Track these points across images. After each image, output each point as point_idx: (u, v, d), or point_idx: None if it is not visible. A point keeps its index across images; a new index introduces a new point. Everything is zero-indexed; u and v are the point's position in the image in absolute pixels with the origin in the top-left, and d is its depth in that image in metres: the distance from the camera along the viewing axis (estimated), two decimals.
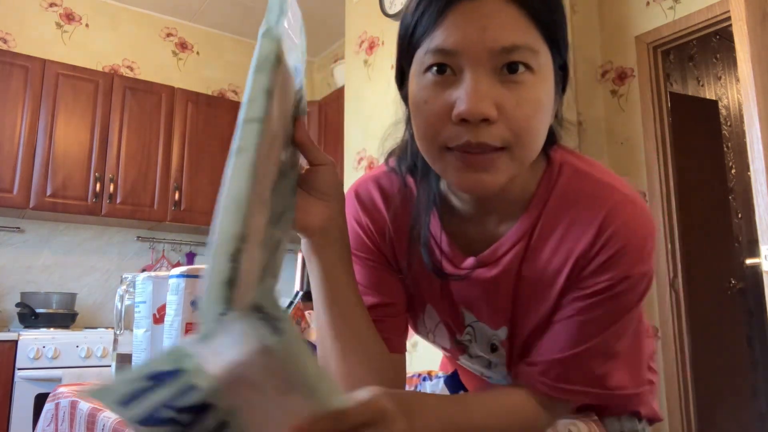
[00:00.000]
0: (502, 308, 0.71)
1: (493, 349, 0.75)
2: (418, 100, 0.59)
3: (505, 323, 0.72)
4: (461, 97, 0.55)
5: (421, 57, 0.59)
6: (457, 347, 0.80)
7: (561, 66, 0.63)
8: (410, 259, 0.73)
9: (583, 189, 0.66)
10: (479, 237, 0.70)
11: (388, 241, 0.74)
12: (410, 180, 0.74)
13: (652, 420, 0.87)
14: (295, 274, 3.29)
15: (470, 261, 0.70)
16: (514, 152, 0.58)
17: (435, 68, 0.58)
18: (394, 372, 0.72)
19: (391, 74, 0.68)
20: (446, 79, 0.57)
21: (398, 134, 0.74)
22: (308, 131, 0.63)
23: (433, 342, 0.81)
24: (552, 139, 0.68)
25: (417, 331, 0.81)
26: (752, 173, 1.93)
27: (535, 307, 0.69)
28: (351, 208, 0.76)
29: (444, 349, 0.83)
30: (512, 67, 0.56)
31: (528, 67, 0.57)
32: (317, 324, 0.69)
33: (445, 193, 0.72)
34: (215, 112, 3.64)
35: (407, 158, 0.72)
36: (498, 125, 0.56)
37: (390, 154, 0.76)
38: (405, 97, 0.67)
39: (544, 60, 0.58)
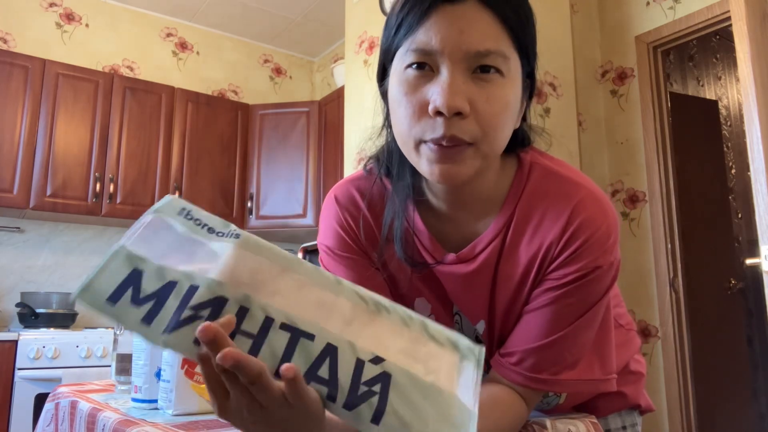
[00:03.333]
0: (480, 304, 0.74)
1: (478, 341, 0.77)
2: (399, 94, 0.63)
3: (483, 317, 0.75)
4: (437, 91, 0.60)
5: (403, 55, 0.63)
6: None
7: (529, 74, 0.67)
8: (390, 253, 0.75)
9: (552, 187, 0.70)
10: (457, 235, 0.73)
11: (368, 236, 0.76)
12: (387, 180, 0.77)
13: (645, 410, 0.92)
14: None
15: (451, 257, 0.73)
16: (481, 147, 0.62)
17: (415, 65, 0.62)
18: None
19: None
20: (425, 75, 0.62)
21: (378, 141, 0.78)
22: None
23: None
24: (524, 141, 0.73)
25: None
26: (752, 173, 1.93)
27: (510, 302, 0.72)
28: (331, 212, 0.78)
29: None
30: (484, 69, 0.61)
31: (498, 70, 0.61)
32: None
33: (425, 192, 0.74)
34: (215, 112, 3.64)
35: (384, 155, 0.76)
36: (469, 120, 0.60)
37: (369, 160, 0.80)
38: (384, 93, 0.71)
39: (514, 66, 0.63)
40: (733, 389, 2.95)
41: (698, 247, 2.83)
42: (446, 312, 0.77)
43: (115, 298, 0.45)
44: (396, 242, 0.73)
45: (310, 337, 0.47)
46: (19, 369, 2.64)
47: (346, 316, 0.49)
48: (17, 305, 2.98)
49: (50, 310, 2.99)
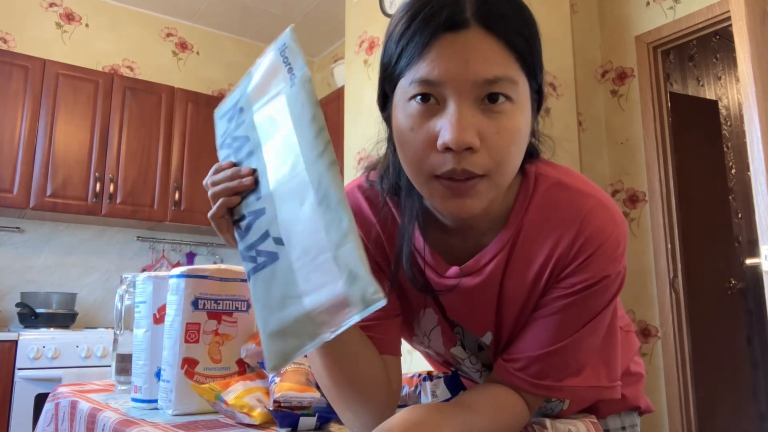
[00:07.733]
0: (486, 316, 0.73)
1: (480, 348, 0.77)
2: (404, 127, 0.61)
3: (490, 329, 0.74)
4: (446, 126, 0.58)
5: (406, 86, 0.61)
6: (451, 357, 0.81)
7: (536, 90, 0.65)
8: (397, 269, 0.74)
9: (560, 198, 0.69)
10: (462, 249, 0.72)
11: (378, 247, 0.75)
12: (390, 200, 0.74)
13: (644, 411, 0.91)
14: None
15: (454, 270, 0.71)
16: (494, 178, 0.60)
17: (419, 97, 0.59)
18: (395, 374, 0.73)
19: None
20: (430, 108, 0.59)
21: (379, 151, 0.75)
22: None
23: (428, 347, 0.82)
24: (532, 155, 0.71)
25: (413, 334, 0.82)
26: (752, 173, 1.93)
27: (519, 313, 0.71)
28: None
29: (438, 354, 0.84)
30: (493, 98, 0.58)
31: (508, 97, 0.59)
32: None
33: (429, 207, 0.73)
34: None
35: (389, 175, 0.73)
36: (480, 153, 0.58)
37: (371, 168, 0.77)
38: (387, 119, 0.68)
39: (523, 89, 0.61)
40: (733, 389, 2.95)
41: (698, 247, 2.83)
42: (449, 324, 0.77)
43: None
44: (405, 263, 0.71)
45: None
46: (19, 369, 2.64)
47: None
48: (17, 305, 2.99)
49: (50, 310, 2.99)
